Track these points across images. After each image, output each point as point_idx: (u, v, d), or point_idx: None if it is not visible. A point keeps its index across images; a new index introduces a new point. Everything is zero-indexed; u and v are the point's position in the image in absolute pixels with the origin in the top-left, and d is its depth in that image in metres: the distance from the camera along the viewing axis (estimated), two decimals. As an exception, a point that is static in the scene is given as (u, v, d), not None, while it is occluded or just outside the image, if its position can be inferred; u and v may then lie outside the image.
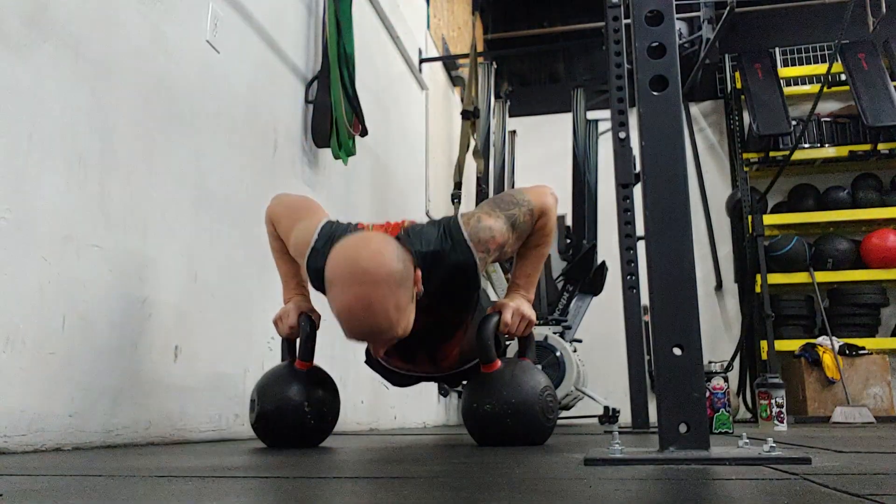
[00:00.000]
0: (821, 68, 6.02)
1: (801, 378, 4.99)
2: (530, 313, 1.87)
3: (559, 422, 2.58)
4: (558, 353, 4.22)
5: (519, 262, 1.90)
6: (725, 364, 2.97)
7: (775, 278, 5.56)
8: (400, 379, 2.07)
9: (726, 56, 6.37)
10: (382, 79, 3.99)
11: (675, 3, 1.28)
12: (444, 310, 1.79)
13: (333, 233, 1.68)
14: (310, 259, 1.70)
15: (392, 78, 4.22)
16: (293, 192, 2.00)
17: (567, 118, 5.37)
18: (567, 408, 4.53)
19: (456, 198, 4.98)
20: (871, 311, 5.67)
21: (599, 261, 4.82)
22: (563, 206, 5.20)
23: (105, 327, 1.75)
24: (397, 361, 1.98)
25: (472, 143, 5.18)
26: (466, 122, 5.16)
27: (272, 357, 2.41)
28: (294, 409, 1.73)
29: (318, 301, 1.99)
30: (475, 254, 1.67)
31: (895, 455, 1.33)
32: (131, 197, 1.88)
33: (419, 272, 1.57)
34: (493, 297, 4.20)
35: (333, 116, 2.94)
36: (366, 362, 2.03)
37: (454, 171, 5.06)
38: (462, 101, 5.63)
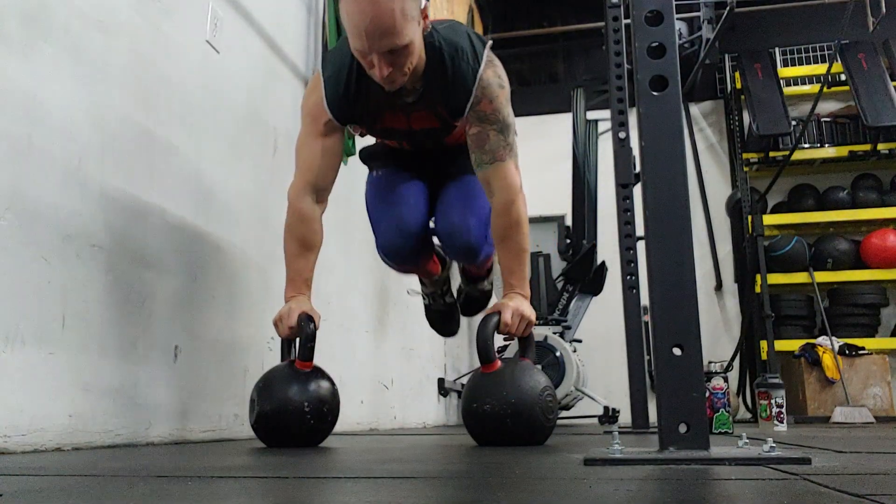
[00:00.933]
0: (821, 68, 6.02)
1: (800, 378, 4.99)
2: (530, 313, 1.87)
3: (559, 422, 2.58)
4: (558, 353, 4.22)
5: (502, 260, 1.93)
6: (725, 364, 2.97)
7: (775, 278, 5.56)
8: (400, 159, 2.16)
9: (726, 56, 6.37)
10: (382, 79, 3.98)
11: (674, 3, 1.28)
12: (446, 113, 1.88)
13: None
14: (326, 88, 1.85)
15: (392, 78, 4.21)
16: (287, 192, 2.00)
17: (567, 118, 5.37)
18: (567, 408, 4.54)
19: (456, 198, 4.97)
20: (871, 312, 5.67)
21: (599, 261, 4.82)
22: (563, 206, 5.23)
23: (105, 327, 1.75)
24: (406, 145, 2.10)
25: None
26: (466, 122, 5.15)
27: (272, 357, 2.41)
28: (294, 410, 1.73)
29: (318, 301, 2.00)
30: (482, 71, 1.81)
31: (895, 455, 1.33)
32: (131, 197, 1.88)
33: (428, 7, 1.70)
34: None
35: (333, 116, 2.94)
36: (360, 157, 2.23)
37: (454, 170, 5.05)
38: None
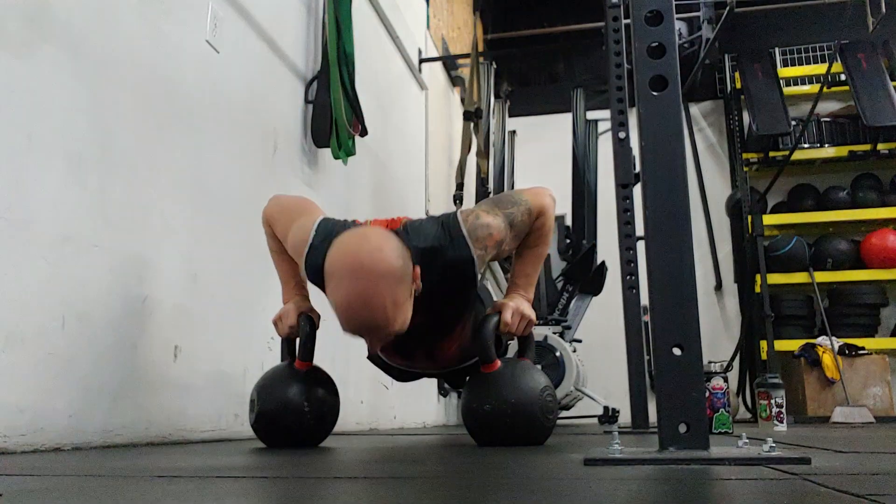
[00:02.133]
0: (820, 68, 6.02)
1: (800, 378, 4.99)
2: (530, 313, 1.87)
3: (559, 422, 2.58)
4: (558, 353, 4.22)
5: (517, 262, 1.90)
6: (725, 364, 2.97)
7: (775, 278, 5.56)
8: (400, 374, 2.08)
9: (726, 56, 6.37)
10: (382, 79, 3.99)
11: (674, 3, 1.28)
12: (442, 306, 1.79)
13: (331, 229, 1.68)
14: (308, 257, 1.69)
15: (392, 78, 4.22)
16: (293, 192, 2.00)
17: (567, 118, 5.37)
18: (567, 408, 4.53)
19: (458, 199, 4.98)
20: (871, 312, 5.67)
21: (599, 261, 4.82)
22: (563, 206, 5.20)
23: (105, 327, 1.75)
24: (396, 358, 1.98)
25: (475, 144, 5.18)
26: (468, 123, 5.15)
27: (272, 357, 2.41)
28: (294, 410, 1.73)
29: (318, 301, 1.99)
30: (473, 250, 1.67)
31: (895, 455, 1.33)
32: (131, 196, 1.88)
33: (418, 269, 1.57)
34: (496, 297, 4.21)
35: (333, 116, 2.94)
36: (367, 358, 2.04)
37: (455, 171, 5.06)
38: (461, 100, 5.63)
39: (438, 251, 1.66)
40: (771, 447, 1.11)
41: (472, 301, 1.88)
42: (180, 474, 1.02)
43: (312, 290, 1.94)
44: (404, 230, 1.67)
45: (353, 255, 1.48)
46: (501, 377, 1.74)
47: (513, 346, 2.00)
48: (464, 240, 1.67)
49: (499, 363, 1.77)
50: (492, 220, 1.72)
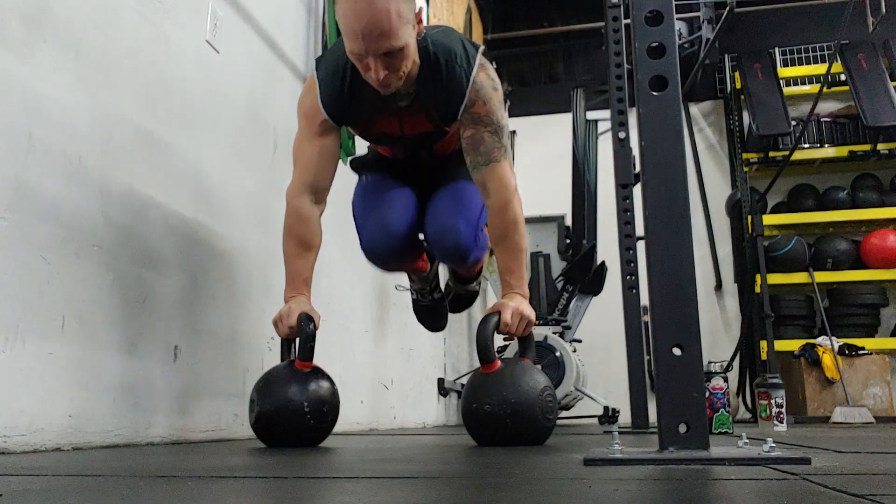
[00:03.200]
0: (820, 68, 6.02)
1: (800, 378, 4.99)
2: (530, 313, 1.87)
3: (559, 422, 2.58)
4: (558, 354, 4.22)
5: (499, 259, 1.92)
6: (725, 364, 2.97)
7: (775, 278, 5.56)
8: (391, 168, 2.17)
9: (726, 56, 6.37)
10: (382, 79, 3.98)
11: (674, 3, 1.28)
12: (439, 116, 1.89)
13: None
14: (318, 63, 1.92)
15: (392, 78, 4.21)
16: (286, 193, 2.00)
17: (567, 118, 5.37)
18: (567, 408, 4.54)
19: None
20: (871, 312, 5.67)
21: (599, 261, 4.82)
22: (563, 206, 5.24)
23: (105, 327, 1.75)
24: (399, 154, 2.12)
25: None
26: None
27: (272, 357, 2.41)
28: (294, 410, 1.73)
29: (318, 301, 2.00)
30: (476, 74, 1.83)
31: (895, 455, 1.33)
32: (131, 197, 1.88)
33: (423, 11, 1.72)
34: (496, 297, 4.20)
35: (333, 116, 2.94)
36: (354, 168, 2.23)
37: (456, 171, 5.05)
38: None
39: (449, 55, 1.82)
40: (771, 447, 1.11)
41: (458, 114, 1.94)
42: (180, 474, 1.03)
43: (312, 288, 1.94)
44: (434, 28, 1.88)
45: None
46: (501, 377, 1.74)
47: (513, 346, 2.00)
48: (471, 68, 1.83)
49: (499, 363, 1.77)
50: (499, 95, 1.88)
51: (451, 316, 2.73)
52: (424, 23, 1.79)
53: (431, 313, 2.61)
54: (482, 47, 1.92)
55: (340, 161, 3.06)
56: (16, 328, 1.49)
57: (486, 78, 1.86)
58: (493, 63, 5.80)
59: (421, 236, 2.16)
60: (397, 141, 2.02)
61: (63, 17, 1.68)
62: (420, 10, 1.73)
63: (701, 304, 1.17)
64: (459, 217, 2.03)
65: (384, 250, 2.05)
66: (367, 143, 2.23)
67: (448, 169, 2.09)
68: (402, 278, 2.60)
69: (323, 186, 1.95)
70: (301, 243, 1.91)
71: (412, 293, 2.59)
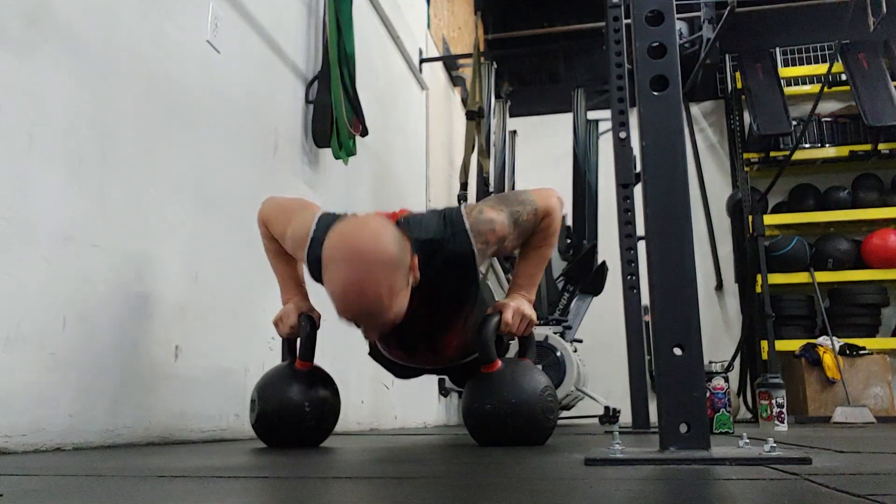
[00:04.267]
0: (821, 68, 6.01)
1: (801, 378, 4.99)
2: (531, 313, 1.87)
3: (560, 422, 2.58)
4: (559, 353, 4.22)
5: (521, 263, 1.90)
6: (726, 364, 2.97)
7: (776, 278, 5.55)
8: (401, 371, 2.08)
9: (727, 56, 6.37)
10: (383, 79, 3.99)
11: (675, 2, 1.28)
12: (442, 299, 1.79)
13: (332, 222, 1.66)
14: (310, 250, 1.68)
15: (392, 78, 4.22)
16: (293, 192, 2.00)
17: (567, 118, 5.37)
18: (567, 408, 4.53)
19: (462, 199, 4.98)
20: (872, 312, 5.67)
21: (600, 261, 4.82)
22: (564, 207, 5.22)
23: (105, 327, 1.75)
24: (398, 353, 1.98)
25: (477, 143, 5.18)
26: (471, 123, 5.15)
27: (272, 357, 2.41)
28: (294, 410, 1.73)
29: (318, 300, 1.99)
30: (474, 245, 1.67)
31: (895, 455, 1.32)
32: (132, 197, 1.89)
33: (416, 259, 1.58)
34: (497, 297, 4.20)
35: (334, 116, 2.94)
36: (369, 354, 2.04)
37: (459, 171, 5.05)
38: (462, 100, 5.63)
39: (439, 244, 1.66)
40: (772, 447, 1.11)
41: (473, 296, 1.87)
42: (181, 474, 1.02)
43: (311, 288, 1.94)
44: (405, 221, 1.67)
45: (349, 240, 1.49)
46: (502, 377, 1.74)
47: (514, 346, 2.00)
48: (465, 234, 1.67)
49: (499, 363, 1.77)
50: (495, 215, 1.72)
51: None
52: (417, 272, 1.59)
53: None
54: (459, 207, 1.74)
55: (342, 158, 3.06)
56: (17, 328, 1.49)
57: (476, 221, 1.69)
58: (494, 63, 5.81)
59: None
60: (392, 336, 1.85)
61: (63, 17, 1.68)
62: (415, 257, 1.57)
63: (702, 304, 1.17)
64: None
65: None
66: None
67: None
68: None
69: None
70: (280, 252, 1.89)
71: None
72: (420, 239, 1.63)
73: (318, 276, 1.68)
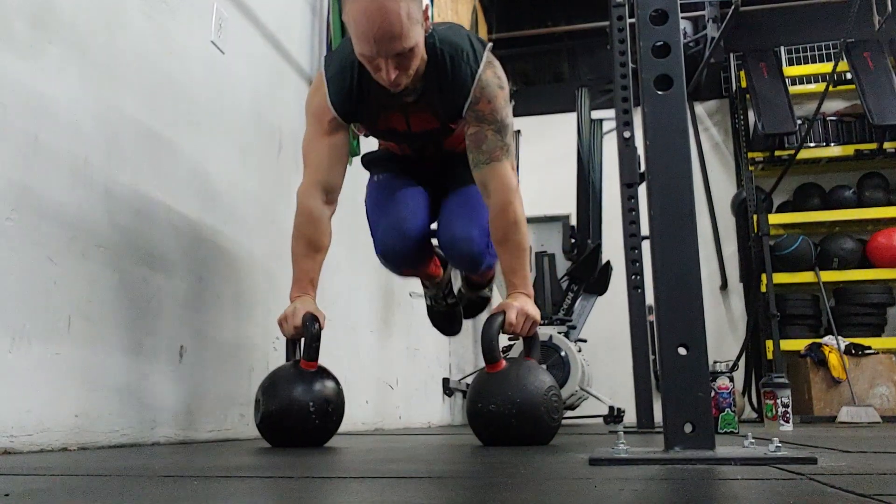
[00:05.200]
0: (826, 67, 5.99)
1: (806, 378, 4.98)
2: (535, 313, 1.87)
3: (564, 422, 2.58)
4: (563, 353, 4.22)
5: (501, 260, 1.92)
6: (731, 364, 2.96)
7: (781, 278, 5.54)
8: (401, 165, 2.18)
9: (731, 55, 6.35)
10: (387, 79, 3.99)
11: (679, 2, 1.28)
12: (446, 113, 1.89)
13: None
14: (325, 61, 1.91)
15: (396, 78, 4.21)
16: (297, 191, 2.00)
17: (571, 118, 5.36)
18: (572, 408, 4.53)
19: (461, 197, 4.97)
20: (878, 311, 5.64)
21: (604, 260, 4.81)
22: (568, 206, 5.23)
23: (111, 327, 1.75)
24: (407, 150, 2.12)
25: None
26: (470, 122, 5.14)
27: (277, 357, 2.41)
28: (299, 410, 1.74)
29: (324, 301, 2.00)
30: (482, 70, 1.83)
31: (902, 455, 1.32)
32: (136, 197, 1.89)
33: (429, 8, 1.72)
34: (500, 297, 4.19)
35: (338, 116, 2.94)
36: (362, 160, 2.24)
37: (459, 170, 5.05)
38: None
39: (456, 52, 1.82)
40: (777, 447, 1.10)
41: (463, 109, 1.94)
42: (186, 474, 1.03)
43: (319, 290, 1.94)
44: (441, 24, 1.88)
45: None
46: (506, 377, 1.74)
47: (518, 345, 2.00)
48: (478, 64, 1.83)
49: (504, 363, 1.77)
50: (505, 93, 1.88)
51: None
52: (431, 20, 1.79)
53: (446, 318, 2.62)
54: (490, 44, 1.92)
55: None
56: (22, 328, 1.49)
57: (492, 76, 1.86)
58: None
59: (434, 241, 2.16)
60: (404, 136, 2.02)
61: (68, 18, 1.69)
62: (427, 6, 1.74)
63: (706, 304, 1.17)
64: (472, 225, 2.03)
65: (398, 251, 2.05)
66: (377, 140, 2.22)
67: (458, 171, 2.09)
68: (416, 285, 2.60)
69: (334, 185, 1.95)
70: (310, 244, 1.91)
71: (426, 299, 2.60)
72: (446, 38, 1.82)
73: (341, 69, 1.87)
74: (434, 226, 2.15)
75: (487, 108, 1.86)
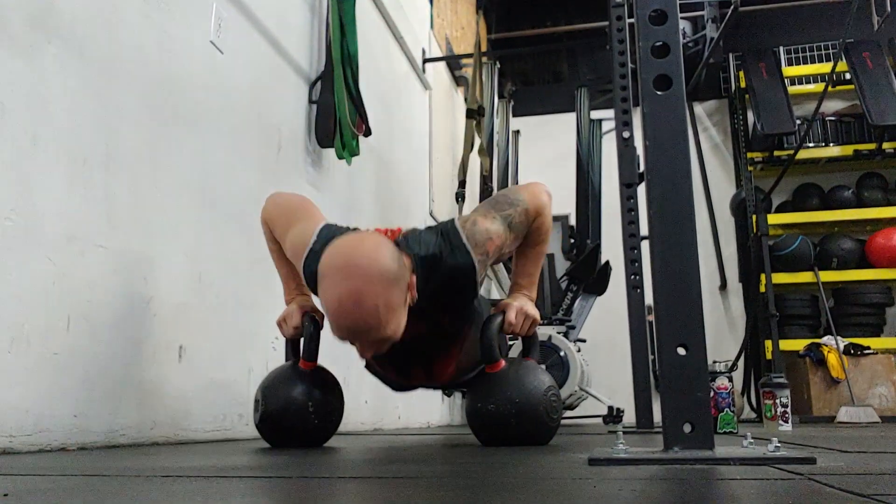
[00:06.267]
0: (825, 67, 6.00)
1: (805, 378, 4.98)
2: (534, 313, 1.87)
3: (563, 422, 2.58)
4: (562, 353, 4.22)
5: (518, 262, 1.90)
6: (730, 364, 2.96)
7: (780, 278, 5.54)
8: (398, 385, 2.06)
9: (730, 55, 6.35)
10: (386, 79, 3.99)
11: (679, 2, 1.28)
12: (441, 317, 1.78)
13: (332, 235, 1.65)
14: (307, 261, 1.67)
15: (395, 78, 4.22)
16: (296, 192, 2.00)
17: (571, 118, 5.37)
18: (571, 408, 4.53)
19: (460, 196, 4.98)
20: (877, 311, 5.65)
21: (603, 260, 4.81)
22: (567, 206, 5.23)
23: (109, 327, 1.75)
24: (392, 374, 1.95)
25: (478, 142, 5.18)
26: (470, 121, 5.15)
27: (276, 357, 2.41)
28: (298, 410, 1.74)
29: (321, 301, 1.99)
30: (474, 257, 1.66)
31: (901, 455, 1.32)
32: (136, 197, 1.89)
33: (414, 278, 1.56)
34: (499, 297, 4.20)
35: (337, 116, 2.94)
36: (366, 367, 2.02)
37: (458, 169, 5.06)
38: (465, 100, 5.63)
39: (439, 259, 1.64)
40: (776, 447, 1.10)
41: (471, 314, 1.85)
42: (185, 474, 1.03)
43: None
44: (403, 240, 1.65)
45: (347, 255, 1.47)
46: (506, 377, 1.74)
47: (517, 346, 1.99)
48: (464, 247, 1.66)
49: (503, 363, 1.77)
50: (490, 224, 1.71)
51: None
52: (415, 289, 1.58)
53: None
54: (452, 221, 1.73)
55: (345, 158, 3.06)
56: (21, 328, 1.49)
57: (472, 233, 1.68)
58: (497, 63, 5.81)
59: None
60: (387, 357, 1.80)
61: (67, 17, 1.69)
62: (413, 277, 1.56)
63: (705, 304, 1.17)
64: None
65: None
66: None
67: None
68: None
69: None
70: (282, 254, 1.88)
71: None
72: (420, 255, 1.61)
73: (314, 288, 1.65)
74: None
75: (497, 241, 1.71)
